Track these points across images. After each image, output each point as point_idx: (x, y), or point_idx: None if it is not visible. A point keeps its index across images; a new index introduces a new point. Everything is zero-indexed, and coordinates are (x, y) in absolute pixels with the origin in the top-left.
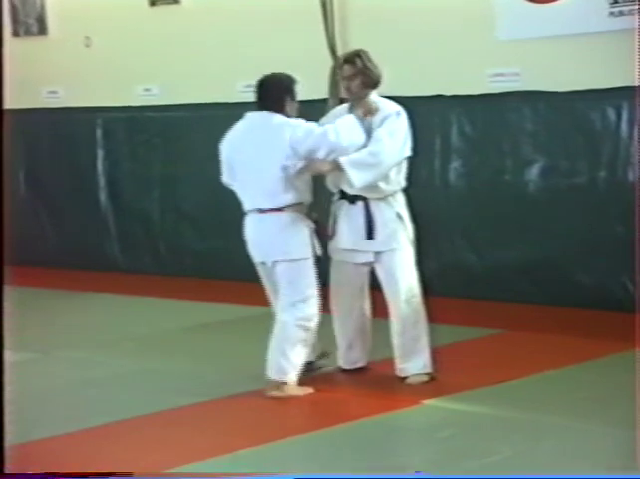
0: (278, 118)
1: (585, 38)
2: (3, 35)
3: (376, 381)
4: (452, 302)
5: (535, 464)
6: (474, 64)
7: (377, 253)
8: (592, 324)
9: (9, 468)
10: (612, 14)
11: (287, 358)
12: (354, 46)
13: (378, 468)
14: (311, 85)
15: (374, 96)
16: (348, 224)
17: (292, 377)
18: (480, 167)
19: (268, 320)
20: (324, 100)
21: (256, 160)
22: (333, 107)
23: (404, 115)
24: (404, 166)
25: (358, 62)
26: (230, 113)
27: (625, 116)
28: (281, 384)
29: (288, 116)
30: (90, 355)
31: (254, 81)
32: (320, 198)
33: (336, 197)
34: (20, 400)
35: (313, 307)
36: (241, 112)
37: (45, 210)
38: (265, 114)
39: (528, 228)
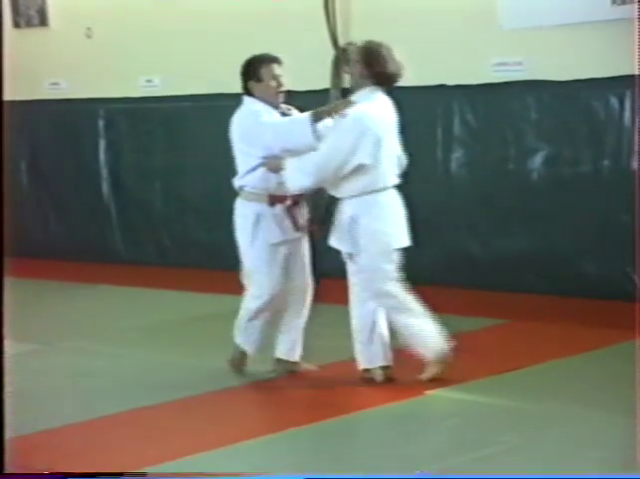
0: (247, 103)
1: (588, 27)
2: (3, 27)
3: None
4: (456, 292)
5: (540, 453)
6: (476, 54)
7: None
8: (597, 314)
9: (12, 461)
10: (615, 3)
11: None
12: (356, 35)
13: (382, 458)
14: (313, 76)
15: (364, 92)
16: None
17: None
18: (483, 156)
19: None
20: (326, 91)
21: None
22: (335, 98)
23: (358, 119)
24: (361, 173)
25: (357, 51)
26: (232, 104)
27: (628, 104)
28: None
29: (263, 99)
30: (93, 346)
31: None
32: None
33: None
34: (23, 391)
35: (256, 288)
36: None
37: (48, 201)
38: (244, 98)
39: (532, 217)
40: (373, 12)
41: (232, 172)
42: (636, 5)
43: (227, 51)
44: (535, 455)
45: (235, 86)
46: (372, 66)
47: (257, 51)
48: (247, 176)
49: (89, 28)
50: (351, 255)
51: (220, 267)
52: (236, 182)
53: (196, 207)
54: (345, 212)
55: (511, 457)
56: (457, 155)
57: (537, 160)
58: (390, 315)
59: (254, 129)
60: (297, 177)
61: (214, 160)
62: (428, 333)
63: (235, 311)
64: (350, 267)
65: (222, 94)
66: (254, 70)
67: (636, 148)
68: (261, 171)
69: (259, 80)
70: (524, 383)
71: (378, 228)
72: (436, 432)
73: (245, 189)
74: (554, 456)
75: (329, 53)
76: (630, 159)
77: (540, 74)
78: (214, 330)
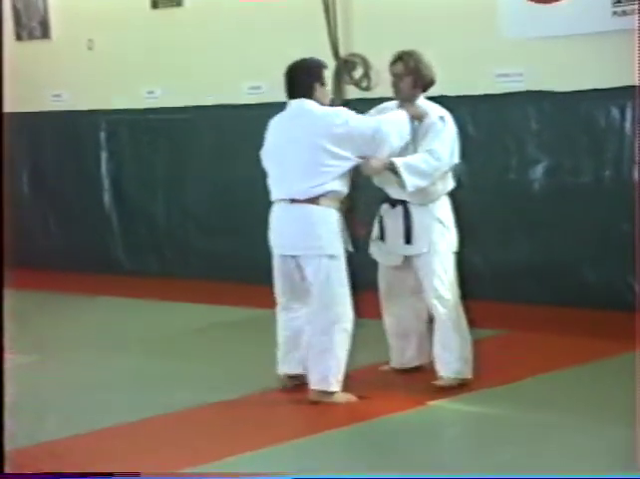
0: (314, 105)
1: (589, 38)
2: (3, 38)
3: (380, 383)
4: None
5: (540, 464)
6: (477, 64)
7: (415, 257)
8: (598, 324)
9: (13, 471)
10: (615, 14)
11: (330, 365)
12: (357, 47)
13: (380, 469)
14: None
15: (421, 99)
16: (389, 227)
17: (336, 385)
18: (484, 167)
19: (273, 322)
20: None
21: (293, 148)
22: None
23: (450, 120)
24: (449, 173)
25: (410, 61)
26: (235, 115)
27: (629, 115)
28: (325, 393)
29: (320, 102)
30: (95, 357)
31: (259, 82)
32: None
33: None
34: (26, 402)
35: (346, 307)
36: (246, 113)
37: (50, 212)
38: (301, 101)
39: (533, 227)
40: (374, 23)
41: (233, 182)
42: (636, 16)
43: (229, 62)
44: (535, 466)
45: (238, 96)
46: (424, 76)
47: (259, 62)
48: (335, 181)
49: (90, 40)
50: (422, 256)
51: (222, 278)
52: (312, 189)
53: (198, 217)
54: (428, 213)
55: (511, 467)
56: (458, 165)
57: (539, 170)
58: (436, 321)
59: (361, 129)
60: (416, 178)
61: (216, 170)
62: (456, 352)
63: (237, 322)
64: (421, 269)
65: (224, 105)
66: (320, 73)
67: (637, 158)
68: (346, 174)
69: (322, 84)
70: (525, 394)
71: (452, 228)
72: (436, 443)
73: (329, 195)
74: (554, 467)
75: (330, 64)
76: (631, 169)
77: (542, 85)
78: (217, 341)
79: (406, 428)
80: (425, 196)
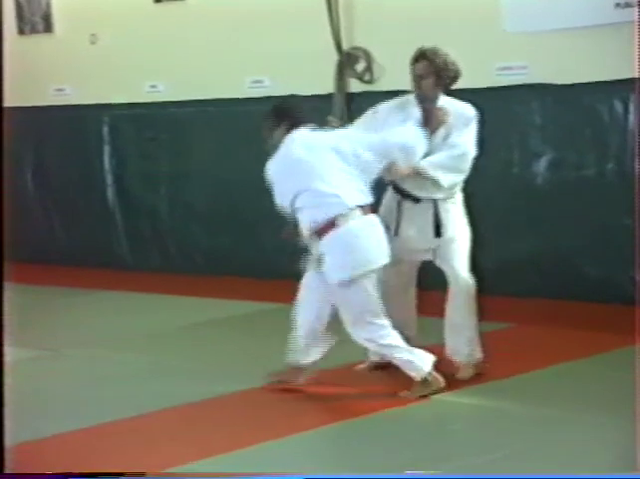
0: None
1: (592, 30)
2: (3, 32)
3: (383, 376)
4: None
5: (541, 458)
6: (480, 57)
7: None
8: (600, 317)
9: (15, 466)
10: (618, 6)
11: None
12: (360, 40)
13: (385, 463)
14: (317, 80)
15: (444, 99)
16: (415, 224)
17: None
18: (487, 160)
19: (276, 316)
20: (330, 95)
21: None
22: (339, 102)
23: (469, 116)
24: None
25: (436, 59)
26: (238, 109)
27: (632, 108)
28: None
29: None
30: (99, 353)
31: (261, 77)
32: None
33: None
34: (29, 398)
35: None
36: (249, 108)
37: (53, 207)
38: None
39: (536, 221)
40: (376, 17)
41: (236, 177)
42: (637, 8)
43: (232, 56)
44: (537, 460)
45: (241, 91)
46: (449, 73)
47: (262, 56)
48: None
49: (93, 34)
50: (446, 242)
51: (225, 273)
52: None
53: (202, 212)
54: (454, 205)
55: (513, 462)
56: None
57: (542, 163)
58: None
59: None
60: (450, 175)
61: (219, 165)
62: (467, 336)
63: (241, 316)
64: (443, 253)
65: (228, 99)
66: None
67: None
68: None
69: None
70: (527, 387)
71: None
72: (439, 437)
73: None
74: (555, 460)
75: (333, 57)
76: (634, 162)
77: (545, 78)
78: (221, 335)
79: (410, 422)
80: (453, 191)
